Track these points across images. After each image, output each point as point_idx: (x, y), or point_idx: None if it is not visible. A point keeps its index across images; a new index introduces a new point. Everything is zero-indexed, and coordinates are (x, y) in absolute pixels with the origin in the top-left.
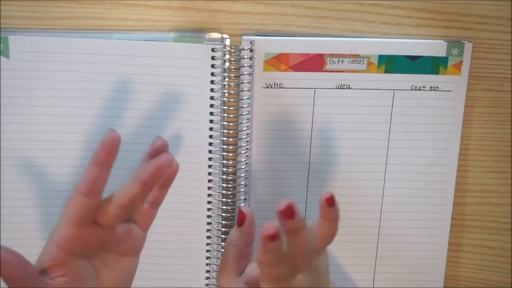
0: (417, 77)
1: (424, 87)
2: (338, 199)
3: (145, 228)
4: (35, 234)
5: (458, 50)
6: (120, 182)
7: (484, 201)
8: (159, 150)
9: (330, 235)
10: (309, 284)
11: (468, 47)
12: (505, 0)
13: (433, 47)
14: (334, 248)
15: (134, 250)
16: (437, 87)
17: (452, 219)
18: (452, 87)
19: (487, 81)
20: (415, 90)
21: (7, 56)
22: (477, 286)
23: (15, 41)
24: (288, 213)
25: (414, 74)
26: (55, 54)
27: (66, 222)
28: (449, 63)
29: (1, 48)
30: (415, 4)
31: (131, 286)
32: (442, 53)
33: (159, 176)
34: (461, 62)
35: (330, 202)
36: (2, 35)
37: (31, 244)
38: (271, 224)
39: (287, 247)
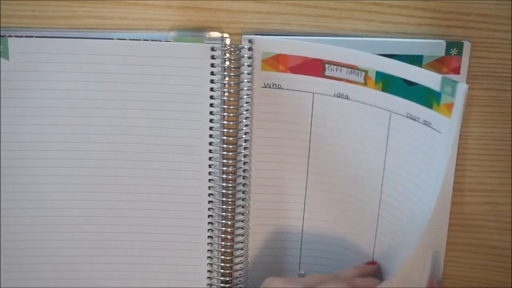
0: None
1: None
2: (336, 201)
3: None
4: (35, 236)
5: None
6: (120, 179)
7: (484, 201)
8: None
9: None
10: None
11: (467, 46)
12: None
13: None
14: None
15: None
16: None
17: (452, 218)
18: None
19: (488, 80)
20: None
21: (7, 58)
22: (477, 286)
23: (14, 43)
24: None
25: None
26: (54, 55)
27: None
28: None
29: (1, 50)
30: (415, 3)
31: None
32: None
33: None
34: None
35: None
36: (1, 36)
37: (31, 246)
38: None
39: None
